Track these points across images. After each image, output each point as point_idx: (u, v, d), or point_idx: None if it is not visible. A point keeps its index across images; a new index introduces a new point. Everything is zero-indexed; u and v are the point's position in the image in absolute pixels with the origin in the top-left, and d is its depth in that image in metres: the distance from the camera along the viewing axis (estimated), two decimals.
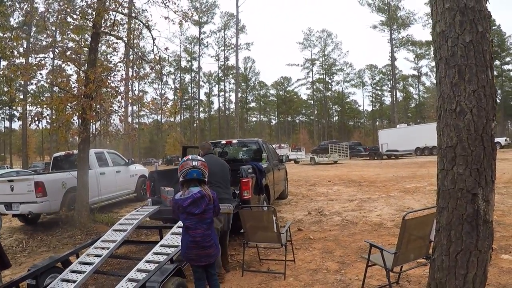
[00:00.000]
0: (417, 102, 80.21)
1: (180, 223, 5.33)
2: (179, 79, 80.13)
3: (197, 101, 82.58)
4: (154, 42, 9.79)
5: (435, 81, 3.09)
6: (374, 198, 10.93)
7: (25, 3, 10.04)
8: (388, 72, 78.27)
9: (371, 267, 4.22)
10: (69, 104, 8.90)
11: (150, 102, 9.42)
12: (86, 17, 9.10)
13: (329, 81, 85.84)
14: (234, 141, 9.96)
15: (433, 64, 3.36)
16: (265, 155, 8.73)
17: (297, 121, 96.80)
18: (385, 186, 13.46)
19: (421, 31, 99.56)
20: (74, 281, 4.12)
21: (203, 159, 3.89)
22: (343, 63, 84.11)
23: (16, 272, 6.37)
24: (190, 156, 3.83)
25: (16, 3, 10.31)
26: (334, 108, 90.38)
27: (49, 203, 9.07)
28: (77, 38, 9.38)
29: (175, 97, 66.74)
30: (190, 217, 3.59)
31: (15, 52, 9.03)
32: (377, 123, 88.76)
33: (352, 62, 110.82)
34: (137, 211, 6.58)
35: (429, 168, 19.35)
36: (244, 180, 6.31)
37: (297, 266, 5.41)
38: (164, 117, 71.47)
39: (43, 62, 8.91)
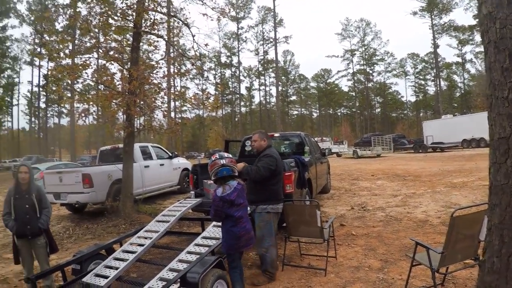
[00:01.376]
0: (463, 91, 76.47)
1: None
2: (219, 74, 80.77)
3: (238, 96, 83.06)
4: (193, 39, 9.94)
5: (480, 68, 2.88)
6: (419, 193, 10.51)
7: (68, 8, 10.41)
8: (431, 60, 75.40)
9: (415, 266, 4.07)
10: (114, 101, 9.19)
11: (192, 98, 9.54)
12: (127, 18, 9.36)
13: (370, 71, 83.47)
14: (276, 134, 9.91)
15: (478, 49, 3.14)
16: (308, 149, 8.59)
17: (339, 113, 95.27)
18: (430, 181, 12.95)
19: (464, 16, 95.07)
20: (116, 268, 4.23)
21: (230, 156, 4.12)
22: (383, 53, 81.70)
23: (62, 256, 6.67)
24: (217, 155, 4.03)
25: (59, 8, 10.66)
26: (376, 99, 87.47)
27: (95, 193, 9.46)
28: (119, 38, 9.59)
29: (217, 92, 67.39)
30: (238, 208, 3.87)
31: (62, 54, 9.42)
32: (421, 114, 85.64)
33: (393, 51, 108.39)
34: (180, 203, 6.70)
35: (478, 161, 18.48)
36: (286, 173, 6.23)
37: (338, 262, 5.29)
38: (206, 112, 72.95)
39: (88, 62, 9.26)
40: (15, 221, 4.54)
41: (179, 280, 3.63)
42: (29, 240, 4.63)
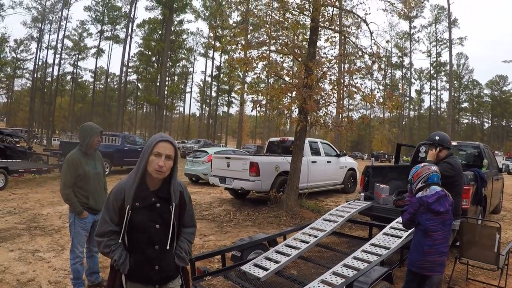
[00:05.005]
0: None
1: (394, 223, 5.11)
2: (389, 75, 78.22)
3: (407, 99, 79.56)
4: (371, 36, 9.59)
5: None
6: None
7: (241, 5, 10.99)
8: None
9: None
10: (288, 94, 9.39)
11: (372, 96, 9.27)
12: (304, 12, 9.42)
13: None
14: (454, 143, 9.14)
15: None
16: (486, 162, 7.82)
17: None
18: None
19: None
20: (277, 262, 4.20)
21: (436, 165, 3.80)
22: None
23: (220, 239, 6.92)
24: (422, 164, 3.74)
25: (232, 5, 11.29)
26: None
27: (260, 182, 9.72)
28: (293, 33, 9.76)
29: (398, 92, 65.54)
30: (433, 217, 3.45)
31: (239, 46, 9.90)
32: None
33: None
34: (349, 204, 6.58)
35: None
36: (465, 187, 5.67)
37: None
38: (373, 113, 71.39)
39: (264, 54, 9.57)
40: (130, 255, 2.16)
41: (344, 286, 3.43)
42: None
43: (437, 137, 4.42)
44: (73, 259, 4.13)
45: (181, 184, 2.25)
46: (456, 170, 4.28)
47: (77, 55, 62.94)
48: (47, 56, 56.17)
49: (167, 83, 53.08)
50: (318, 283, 3.65)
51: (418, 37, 74.65)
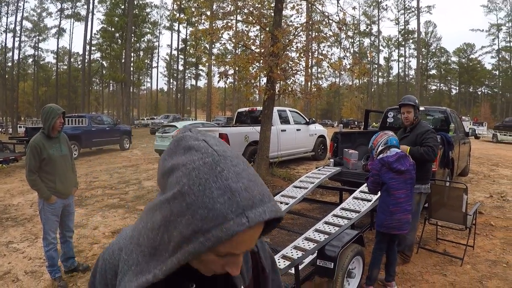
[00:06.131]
0: None
1: (363, 187, 5.18)
2: (358, 43, 78.73)
3: (376, 66, 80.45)
4: (338, 3, 9.53)
5: None
6: None
7: None
8: None
9: None
10: (256, 64, 9.28)
11: (338, 62, 9.26)
12: None
13: None
14: (421, 108, 9.29)
15: None
16: (453, 126, 7.98)
17: (479, 92, 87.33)
18: None
19: None
20: None
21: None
22: None
23: None
24: (386, 132, 3.92)
25: None
26: None
27: None
28: (259, 2, 9.61)
29: (366, 59, 66.02)
30: (396, 176, 3.61)
31: (203, 17, 9.71)
32: None
33: None
34: (319, 170, 6.61)
35: None
36: None
37: (475, 253, 4.99)
38: (342, 80, 71.87)
39: (229, 24, 9.43)
40: None
41: (316, 251, 3.45)
42: None
43: (416, 101, 4.59)
44: (46, 246, 4.05)
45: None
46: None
47: (37, 37, 61.15)
48: (6, 40, 54.42)
49: (132, 59, 51.67)
50: (291, 249, 3.69)
51: (386, 5, 75.62)
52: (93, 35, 55.50)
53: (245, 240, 0.72)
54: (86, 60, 50.45)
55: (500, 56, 76.16)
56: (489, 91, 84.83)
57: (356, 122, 50.88)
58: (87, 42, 48.27)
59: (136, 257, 0.79)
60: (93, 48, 55.85)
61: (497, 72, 78.88)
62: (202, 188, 0.67)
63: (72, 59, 70.37)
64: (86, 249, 5.20)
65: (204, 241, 0.66)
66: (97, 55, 60.98)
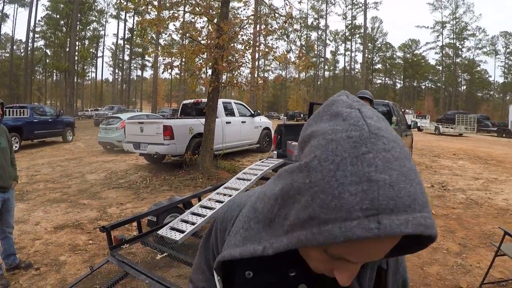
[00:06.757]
0: None
1: None
2: (305, 36, 79.65)
3: (322, 59, 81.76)
4: None
5: None
6: (502, 179, 9.87)
7: None
8: None
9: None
10: (200, 55, 9.20)
11: (283, 55, 9.33)
12: None
13: (460, 46, 78.00)
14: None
15: None
16: (395, 119, 8.29)
17: (423, 86, 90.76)
18: None
19: None
20: (193, 223, 4.21)
21: None
22: (475, 28, 76.05)
23: (137, 206, 6.80)
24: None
25: None
26: (462, 76, 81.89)
27: (175, 146, 9.58)
28: None
29: (313, 53, 66.63)
30: None
31: (150, 7, 9.54)
32: (507, 97, 79.89)
33: (485, 27, 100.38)
34: (262, 162, 6.64)
35: None
36: None
37: None
38: (289, 73, 72.72)
39: (176, 15, 9.31)
40: None
41: None
42: None
43: (371, 95, 4.64)
44: None
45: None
46: None
47: None
48: None
49: (77, 48, 49.77)
50: None
51: (335, 0, 76.59)
52: (37, 22, 53.35)
53: (368, 250, 0.56)
54: (29, 48, 48.09)
55: (444, 52, 79.52)
56: (432, 86, 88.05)
57: (302, 115, 51.56)
58: (31, 29, 45.98)
59: (249, 220, 0.73)
60: (36, 35, 53.61)
61: (440, 67, 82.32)
62: (333, 168, 0.52)
63: (14, 47, 66.83)
64: (28, 246, 4.98)
65: (317, 233, 0.53)
66: (40, 43, 58.59)
